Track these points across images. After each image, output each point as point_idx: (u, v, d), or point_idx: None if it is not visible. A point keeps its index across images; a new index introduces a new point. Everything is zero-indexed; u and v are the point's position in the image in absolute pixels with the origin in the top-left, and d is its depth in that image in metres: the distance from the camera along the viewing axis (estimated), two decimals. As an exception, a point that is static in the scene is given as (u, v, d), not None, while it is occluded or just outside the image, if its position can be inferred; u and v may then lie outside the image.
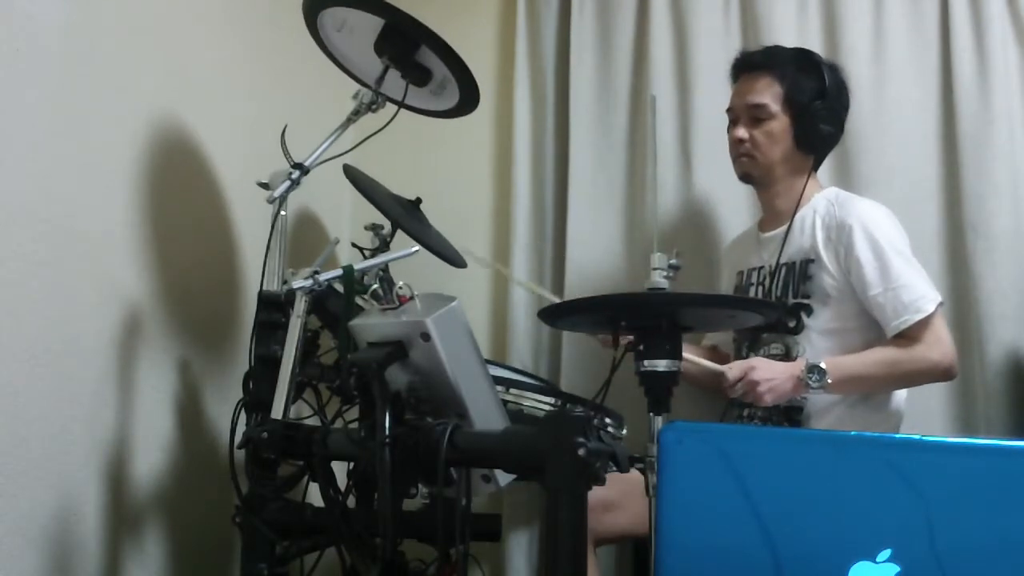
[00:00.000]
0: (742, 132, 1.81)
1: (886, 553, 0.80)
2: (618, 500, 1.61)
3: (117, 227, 1.44)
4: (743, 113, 1.82)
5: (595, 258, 2.21)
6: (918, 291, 1.64)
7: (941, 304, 1.66)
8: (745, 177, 1.86)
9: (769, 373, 1.62)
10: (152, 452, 1.51)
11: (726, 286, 2.01)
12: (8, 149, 1.20)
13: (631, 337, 1.27)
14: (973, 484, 0.81)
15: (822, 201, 1.79)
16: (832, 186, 1.91)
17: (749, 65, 1.85)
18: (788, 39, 2.07)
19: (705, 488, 0.85)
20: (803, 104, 1.76)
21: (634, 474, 1.25)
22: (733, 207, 2.11)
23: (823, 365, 1.60)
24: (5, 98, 1.19)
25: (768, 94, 1.78)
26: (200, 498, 1.62)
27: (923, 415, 1.92)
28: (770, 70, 1.80)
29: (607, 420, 1.60)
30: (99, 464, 1.38)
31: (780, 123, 1.78)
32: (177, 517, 1.56)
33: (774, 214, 1.86)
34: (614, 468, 1.00)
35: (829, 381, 1.60)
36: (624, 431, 1.66)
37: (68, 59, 1.32)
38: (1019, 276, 1.98)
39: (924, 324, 1.63)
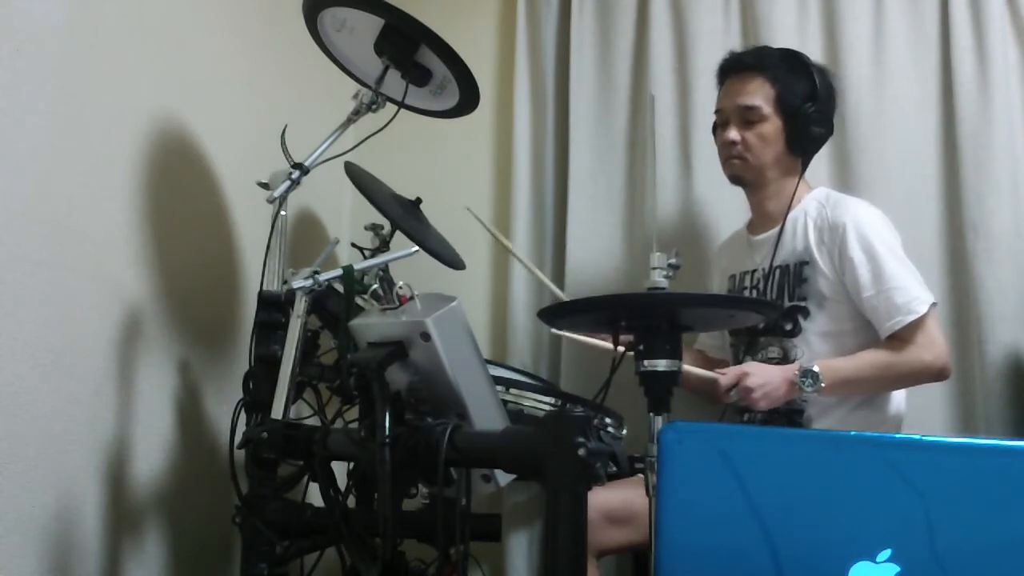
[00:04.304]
0: (734, 134, 1.79)
1: (886, 553, 0.80)
2: (624, 516, 1.60)
3: (117, 227, 1.44)
4: (734, 115, 1.80)
5: (595, 258, 2.21)
6: (911, 292, 1.64)
7: (934, 305, 1.66)
8: (735, 179, 1.85)
9: (762, 379, 1.62)
10: (152, 452, 1.51)
11: (717, 290, 2.00)
12: (8, 149, 1.20)
13: (631, 337, 1.27)
14: (973, 484, 0.81)
15: (812, 202, 1.79)
16: (826, 187, 1.91)
17: (739, 66, 1.84)
18: (788, 39, 2.07)
19: (705, 488, 0.85)
20: (795, 106, 1.76)
21: (641, 490, 1.25)
22: (733, 207, 2.10)
23: (816, 369, 1.60)
24: (5, 98, 1.19)
25: (760, 96, 1.78)
26: (200, 498, 1.62)
27: (923, 415, 1.92)
28: (761, 72, 1.79)
29: (607, 420, 1.60)
30: (99, 464, 1.38)
31: (772, 125, 1.77)
32: (177, 517, 1.56)
33: (764, 216, 1.86)
34: (614, 468, 1.00)
35: (823, 385, 1.60)
36: (624, 431, 1.66)
37: (68, 59, 1.32)
38: (1019, 276, 1.98)
39: (917, 325, 1.63)
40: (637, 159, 2.24)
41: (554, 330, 1.95)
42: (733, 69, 1.85)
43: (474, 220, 2.31)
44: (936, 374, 1.66)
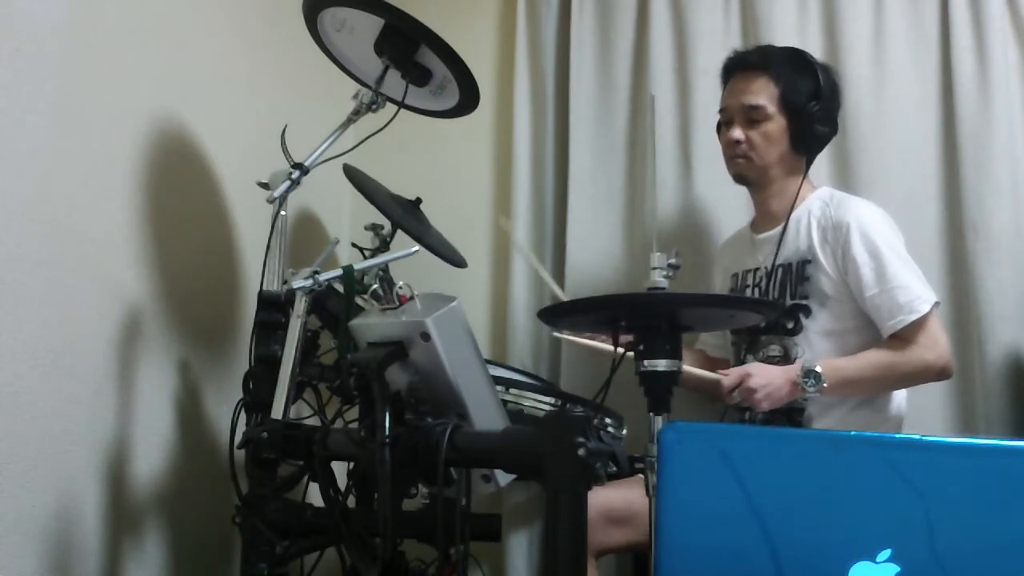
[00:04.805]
0: (738, 133, 1.79)
1: (886, 553, 0.80)
2: (624, 516, 1.60)
3: (117, 227, 1.44)
4: (738, 114, 1.80)
5: (595, 258, 2.21)
6: (914, 292, 1.64)
7: (937, 304, 1.66)
8: (740, 178, 1.85)
9: (765, 379, 1.62)
10: (152, 452, 1.51)
11: (719, 288, 2.01)
12: (8, 149, 1.20)
13: (630, 338, 1.27)
14: (973, 484, 0.81)
15: (816, 201, 1.79)
16: (827, 186, 1.91)
17: (743, 65, 1.83)
18: (788, 39, 2.07)
19: (705, 488, 0.85)
20: (800, 105, 1.75)
21: (641, 490, 1.25)
22: (733, 207, 2.11)
23: (818, 369, 1.60)
24: (5, 98, 1.19)
25: (764, 95, 1.77)
26: (200, 498, 1.62)
27: (923, 415, 1.92)
28: (765, 71, 1.78)
29: (607, 420, 1.60)
30: (99, 464, 1.38)
31: (777, 124, 1.77)
32: (177, 517, 1.56)
33: (768, 215, 1.86)
34: (614, 468, 1.00)
35: (825, 385, 1.60)
36: (624, 431, 1.66)
37: (68, 59, 1.32)
38: (1019, 276, 1.98)
39: (919, 325, 1.63)
40: (637, 159, 2.24)
41: (555, 334, 1.96)
42: (737, 68, 1.85)
43: (474, 219, 2.33)
44: (938, 373, 1.66)
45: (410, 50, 1.49)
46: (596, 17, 2.29)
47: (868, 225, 1.69)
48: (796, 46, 1.92)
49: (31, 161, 1.24)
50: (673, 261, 1.28)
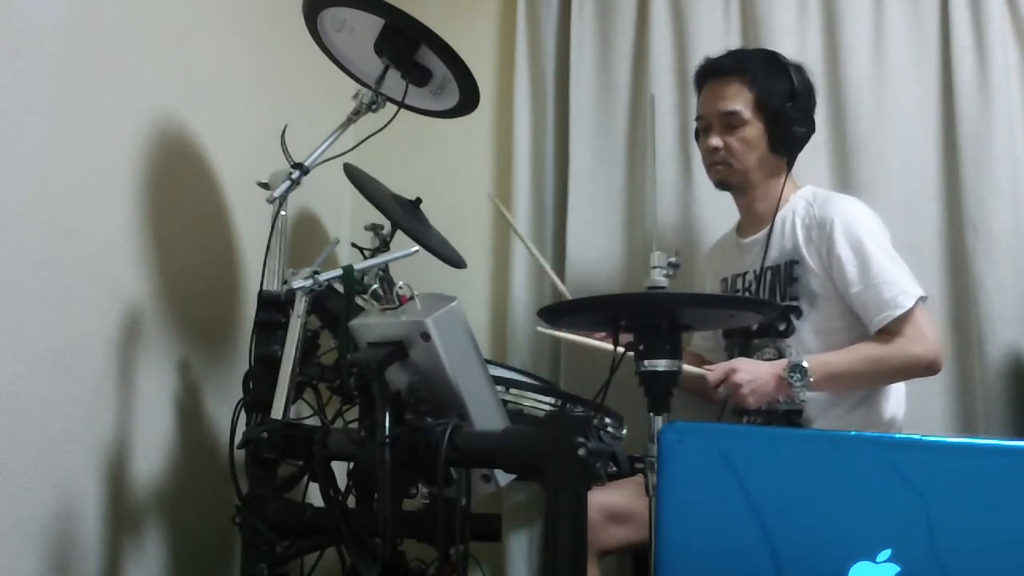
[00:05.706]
0: (716, 140, 1.78)
1: (886, 553, 0.80)
2: (624, 514, 1.60)
3: (117, 227, 1.44)
4: (716, 120, 1.79)
5: (595, 257, 2.21)
6: (899, 287, 1.64)
7: (923, 298, 1.66)
8: (721, 184, 1.85)
9: (751, 375, 1.61)
10: (152, 452, 1.51)
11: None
12: (8, 149, 1.20)
13: (630, 337, 1.27)
14: (973, 484, 0.81)
15: (800, 201, 1.79)
16: (826, 187, 1.91)
17: (717, 71, 1.82)
18: (788, 39, 2.07)
19: (705, 488, 0.85)
20: (775, 108, 1.75)
21: (641, 489, 1.25)
22: (732, 207, 2.10)
23: (805, 363, 1.60)
24: (5, 98, 1.19)
25: (740, 100, 1.76)
26: (200, 498, 1.62)
27: (923, 415, 1.92)
28: (739, 75, 1.78)
29: (607, 420, 1.61)
30: (99, 464, 1.38)
31: (754, 129, 1.76)
32: (177, 517, 1.56)
33: (753, 218, 1.86)
34: (614, 468, 1.00)
35: (811, 379, 1.60)
36: (624, 431, 1.66)
37: (68, 59, 1.32)
38: (1019, 276, 1.98)
39: (906, 319, 1.63)
40: (637, 159, 2.24)
41: (539, 328, 1.89)
42: (711, 74, 1.84)
43: (475, 220, 2.33)
44: (927, 367, 1.66)
45: (410, 50, 1.49)
46: (596, 17, 2.29)
47: (851, 221, 1.69)
48: (796, 46, 1.93)
49: (31, 161, 1.24)
50: (673, 260, 1.28)
